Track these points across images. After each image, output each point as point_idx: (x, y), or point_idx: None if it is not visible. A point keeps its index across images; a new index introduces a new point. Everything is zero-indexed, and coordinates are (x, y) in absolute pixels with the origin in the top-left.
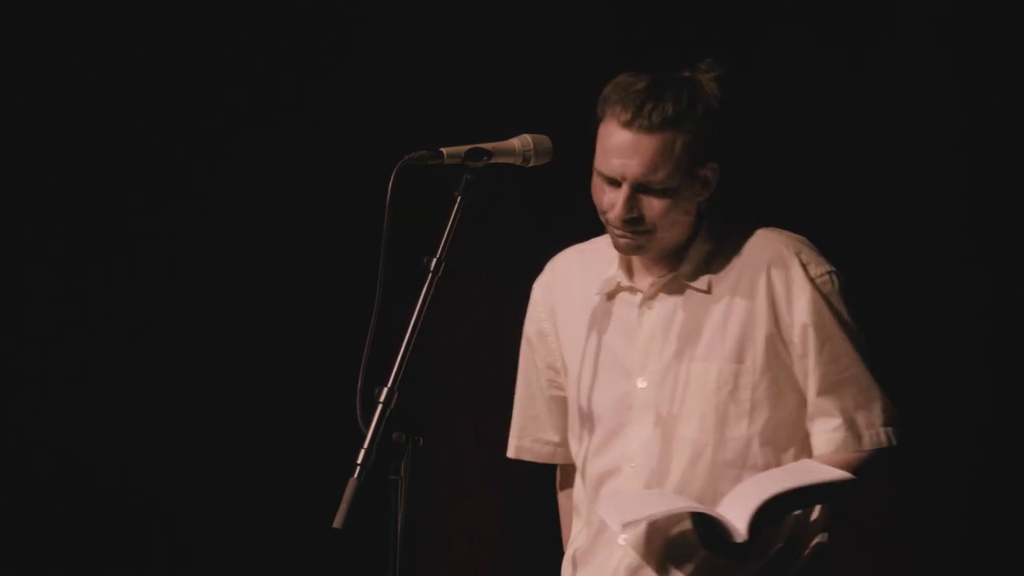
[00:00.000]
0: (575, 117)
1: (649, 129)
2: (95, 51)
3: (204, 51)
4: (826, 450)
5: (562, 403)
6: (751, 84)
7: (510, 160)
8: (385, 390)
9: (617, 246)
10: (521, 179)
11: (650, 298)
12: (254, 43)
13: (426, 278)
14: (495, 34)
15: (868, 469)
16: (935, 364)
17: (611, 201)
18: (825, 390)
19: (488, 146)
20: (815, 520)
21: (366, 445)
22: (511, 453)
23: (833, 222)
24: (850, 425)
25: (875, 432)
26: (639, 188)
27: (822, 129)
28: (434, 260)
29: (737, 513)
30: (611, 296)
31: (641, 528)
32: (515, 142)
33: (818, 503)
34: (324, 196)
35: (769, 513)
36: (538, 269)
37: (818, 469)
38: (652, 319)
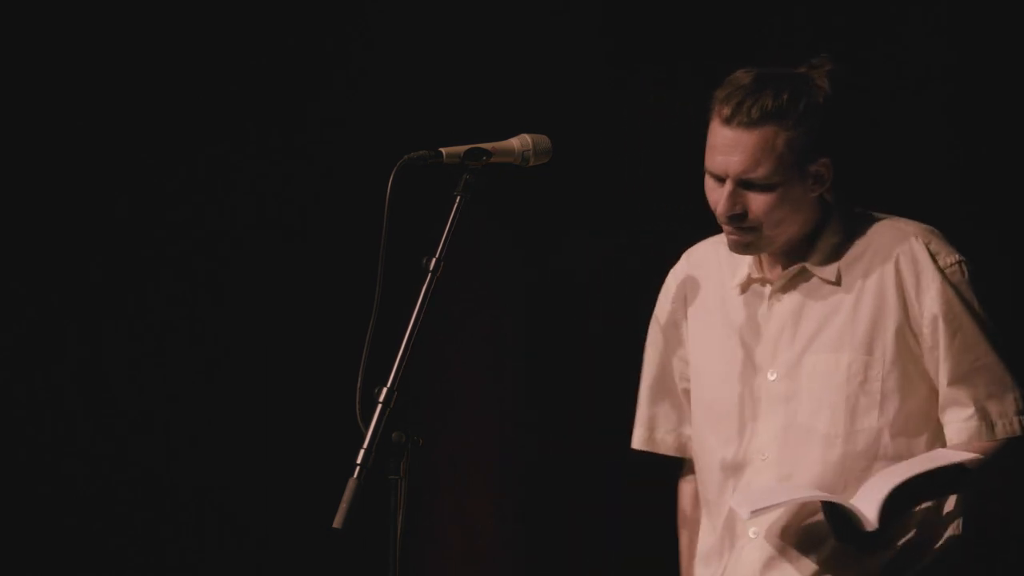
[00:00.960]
0: (575, 117)
1: (748, 125)
2: (96, 53)
3: (205, 53)
4: (959, 440)
5: (688, 396)
6: (867, 78)
7: (509, 160)
8: (385, 390)
9: (729, 245)
10: (521, 179)
11: (779, 290)
12: (254, 44)
13: (426, 278)
14: (495, 35)
15: (1002, 458)
16: None
17: (717, 198)
18: (957, 380)
19: (487, 146)
20: (949, 512)
21: (366, 445)
22: (640, 445)
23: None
24: (983, 414)
25: (1008, 421)
26: (742, 184)
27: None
28: (433, 260)
29: (868, 502)
30: (744, 288)
31: (772, 521)
32: (514, 142)
33: (950, 492)
34: (324, 196)
35: (899, 501)
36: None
37: (945, 455)
38: (781, 311)
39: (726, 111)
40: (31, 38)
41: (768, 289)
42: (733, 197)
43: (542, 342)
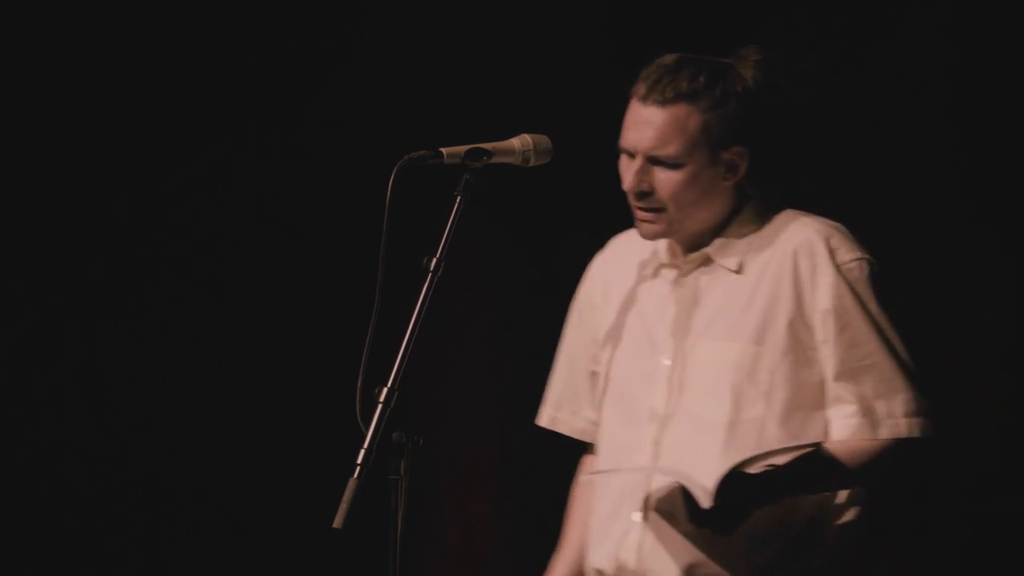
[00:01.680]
0: (575, 117)
1: (662, 103)
2: (96, 53)
3: (205, 53)
4: (839, 437)
5: (597, 380)
6: (795, 72)
7: (510, 160)
8: (385, 390)
9: (638, 230)
10: (522, 179)
11: (684, 276)
12: (254, 43)
13: (426, 278)
14: (495, 35)
15: (886, 459)
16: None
17: (627, 175)
18: (842, 376)
19: (488, 146)
20: (840, 507)
21: (366, 445)
22: (544, 422)
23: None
24: (866, 412)
25: (895, 422)
26: (652, 161)
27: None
28: (434, 260)
29: (707, 481)
30: (655, 273)
31: (656, 507)
32: (515, 142)
33: (827, 487)
34: (324, 196)
35: (746, 485)
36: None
37: (799, 446)
38: (682, 297)
39: (642, 89)
40: (31, 38)
41: (675, 274)
42: (641, 173)
43: (542, 342)
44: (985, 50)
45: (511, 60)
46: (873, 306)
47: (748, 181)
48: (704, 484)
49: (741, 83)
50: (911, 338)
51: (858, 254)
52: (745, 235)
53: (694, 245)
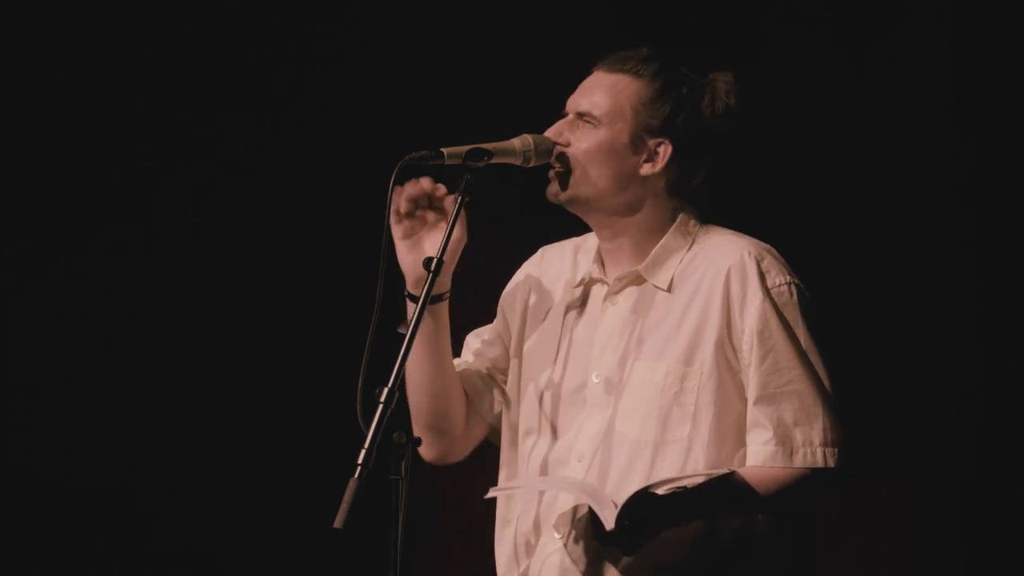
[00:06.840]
0: None
1: (607, 70)
2: (98, 55)
3: (206, 56)
4: (754, 463)
5: (489, 381)
6: (867, 78)
7: (511, 160)
8: (386, 390)
9: (547, 192)
10: (522, 179)
11: (615, 292)
12: (254, 41)
13: (426, 278)
14: (496, 34)
15: (800, 486)
16: (932, 366)
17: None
18: (762, 400)
19: (489, 146)
20: (758, 536)
21: (367, 445)
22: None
23: (822, 231)
24: (783, 439)
25: (812, 450)
26: (579, 116)
27: (821, 133)
28: (434, 260)
29: (611, 503)
30: (584, 289)
31: (576, 526)
32: (515, 142)
33: (738, 511)
34: (324, 196)
35: (652, 508)
36: None
37: (716, 471)
38: (613, 314)
39: (600, 61)
40: (32, 39)
41: (605, 291)
42: (564, 125)
43: None
44: (985, 50)
45: (512, 60)
46: (799, 331)
47: (665, 182)
48: (613, 503)
49: (691, 82)
50: (836, 363)
51: (788, 278)
52: (674, 251)
53: (630, 258)
